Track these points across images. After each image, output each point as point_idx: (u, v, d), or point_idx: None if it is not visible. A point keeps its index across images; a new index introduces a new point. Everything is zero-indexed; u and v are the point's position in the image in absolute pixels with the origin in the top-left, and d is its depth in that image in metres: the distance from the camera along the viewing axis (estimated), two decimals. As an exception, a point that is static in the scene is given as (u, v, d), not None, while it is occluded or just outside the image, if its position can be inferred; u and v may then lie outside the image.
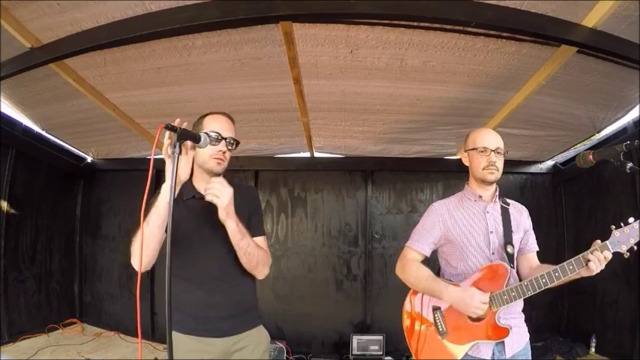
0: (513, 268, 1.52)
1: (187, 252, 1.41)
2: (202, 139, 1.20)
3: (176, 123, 1.13)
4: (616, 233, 1.34)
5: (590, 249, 1.35)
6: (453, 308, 1.51)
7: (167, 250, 1.02)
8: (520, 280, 1.53)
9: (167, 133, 1.11)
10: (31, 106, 2.93)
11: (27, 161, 3.30)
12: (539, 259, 1.63)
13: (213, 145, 1.34)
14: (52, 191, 3.63)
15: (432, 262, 1.67)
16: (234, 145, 1.43)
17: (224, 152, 1.40)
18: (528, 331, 1.59)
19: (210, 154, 1.38)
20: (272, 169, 3.83)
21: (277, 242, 3.77)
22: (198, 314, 1.41)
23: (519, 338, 1.54)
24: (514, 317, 1.54)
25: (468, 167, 1.66)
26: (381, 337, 3.33)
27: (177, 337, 1.41)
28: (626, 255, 1.32)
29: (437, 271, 1.69)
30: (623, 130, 2.83)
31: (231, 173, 1.53)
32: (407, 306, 1.69)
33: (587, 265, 1.33)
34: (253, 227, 1.45)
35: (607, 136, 2.99)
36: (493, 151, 1.55)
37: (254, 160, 3.71)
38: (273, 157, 3.78)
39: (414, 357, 1.64)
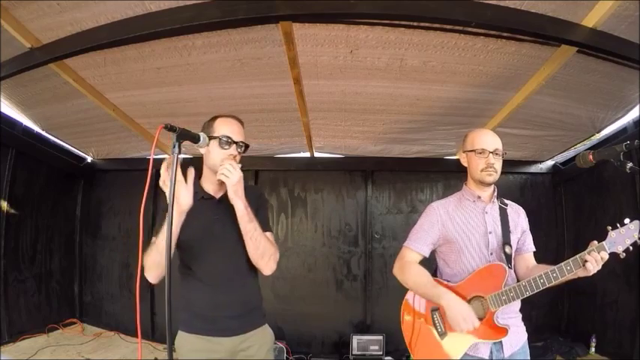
0: (511, 268, 1.53)
1: (198, 251, 1.43)
2: (202, 139, 1.21)
3: (189, 173, 1.22)
4: (612, 234, 1.35)
5: (587, 249, 1.36)
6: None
7: (165, 252, 1.02)
8: (517, 280, 1.54)
9: (164, 165, 1.18)
10: (31, 106, 2.93)
11: (27, 161, 3.30)
12: (539, 259, 1.63)
13: (225, 148, 1.40)
14: (52, 191, 3.63)
15: (429, 261, 1.66)
16: (244, 149, 1.48)
17: (234, 156, 1.43)
18: (528, 331, 1.59)
19: (221, 158, 1.40)
20: (272, 169, 3.83)
21: (277, 242, 3.72)
22: (206, 313, 1.43)
23: (517, 337, 1.55)
24: (511, 317, 1.54)
25: (466, 168, 1.66)
26: (381, 337, 3.33)
27: (183, 336, 1.44)
28: (622, 255, 1.34)
29: (434, 271, 1.69)
30: (623, 130, 2.83)
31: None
32: (406, 306, 1.69)
33: (584, 265, 1.34)
34: (260, 222, 1.47)
35: (607, 136, 2.99)
36: (492, 152, 1.54)
37: (254, 160, 3.71)
38: (273, 157, 3.78)
39: (413, 357, 1.64)
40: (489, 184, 1.59)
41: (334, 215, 3.79)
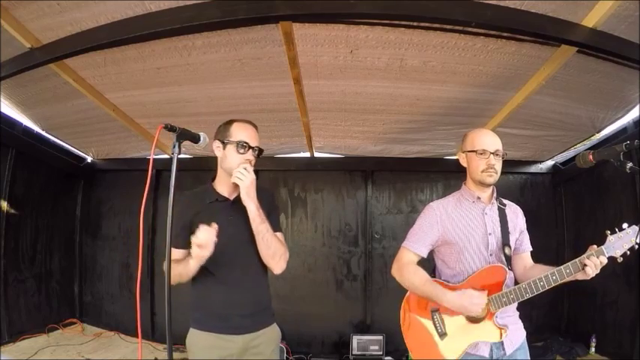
0: (511, 270, 1.53)
1: (212, 251, 1.44)
2: (202, 139, 1.23)
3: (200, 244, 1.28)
4: (611, 239, 1.37)
5: (586, 253, 1.37)
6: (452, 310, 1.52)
7: (167, 253, 1.02)
8: (515, 279, 1.55)
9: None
10: (31, 106, 2.93)
11: (27, 161, 3.30)
12: (539, 259, 1.64)
13: (241, 153, 1.47)
14: (52, 191, 3.63)
15: (427, 261, 1.66)
16: (259, 153, 1.55)
17: (250, 160, 1.49)
18: (528, 331, 1.60)
19: (237, 162, 1.47)
20: (272, 169, 3.83)
21: (278, 242, 3.76)
22: (219, 311, 1.48)
23: (516, 335, 1.56)
24: (509, 315, 1.55)
25: (465, 168, 1.66)
26: (381, 337, 3.33)
27: (195, 334, 1.50)
28: (620, 259, 1.36)
29: (432, 270, 1.69)
30: (623, 130, 2.82)
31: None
32: (405, 306, 1.68)
33: (583, 269, 1.35)
34: (271, 223, 1.52)
35: (607, 136, 2.98)
36: (492, 153, 1.54)
37: (254, 159, 3.71)
38: (273, 157, 3.78)
39: (412, 357, 1.64)
40: (489, 185, 1.58)
41: (334, 215, 3.79)
